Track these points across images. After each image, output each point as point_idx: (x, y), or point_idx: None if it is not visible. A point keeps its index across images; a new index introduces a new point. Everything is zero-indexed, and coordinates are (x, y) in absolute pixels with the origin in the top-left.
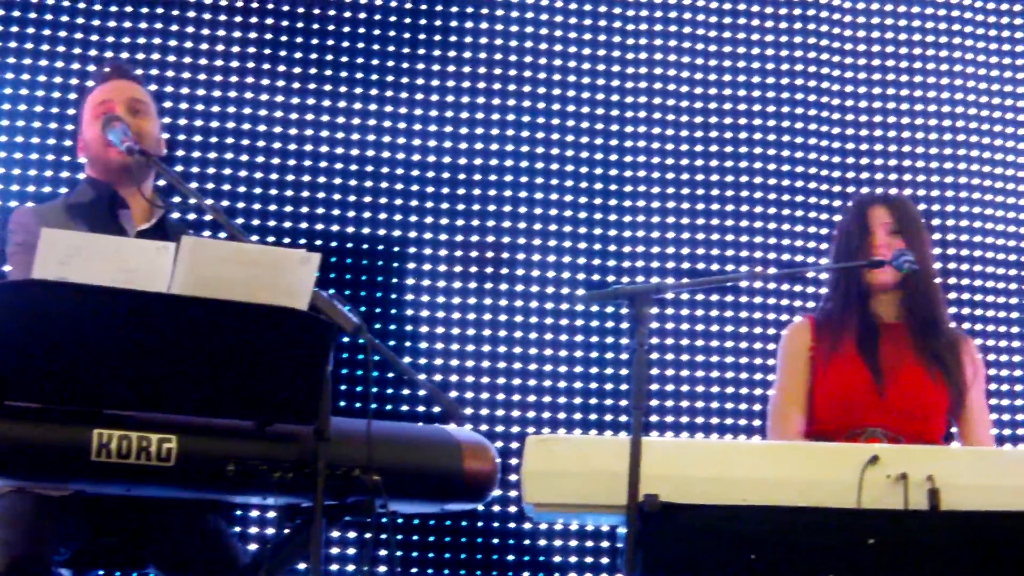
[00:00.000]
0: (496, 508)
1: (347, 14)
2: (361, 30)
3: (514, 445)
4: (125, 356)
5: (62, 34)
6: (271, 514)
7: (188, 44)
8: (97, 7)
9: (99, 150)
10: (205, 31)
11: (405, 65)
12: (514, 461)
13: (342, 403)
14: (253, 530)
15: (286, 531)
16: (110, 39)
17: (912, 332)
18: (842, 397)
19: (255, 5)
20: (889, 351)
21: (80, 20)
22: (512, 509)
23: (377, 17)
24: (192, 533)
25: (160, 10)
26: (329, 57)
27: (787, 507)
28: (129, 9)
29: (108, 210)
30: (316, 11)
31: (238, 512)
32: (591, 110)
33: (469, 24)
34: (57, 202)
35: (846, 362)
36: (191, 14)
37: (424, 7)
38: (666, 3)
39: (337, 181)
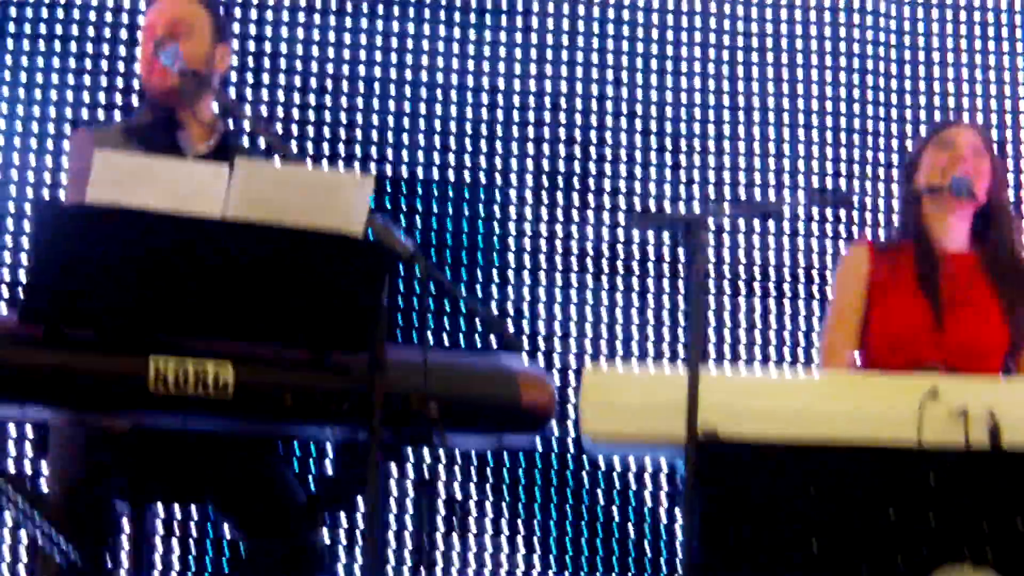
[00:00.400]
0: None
1: None
2: None
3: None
4: (179, 282)
5: None
6: (329, 453)
7: None
8: None
9: (145, 72)
10: None
11: None
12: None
13: (398, 332)
14: (311, 468)
15: (343, 466)
16: None
17: (980, 263)
18: (898, 332)
19: None
20: (951, 283)
21: None
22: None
23: None
24: (249, 472)
25: None
26: None
27: (845, 445)
28: None
29: (166, 132)
30: None
31: (296, 452)
32: (650, 39)
33: None
34: (116, 124)
35: (904, 294)
36: None
37: None
38: None
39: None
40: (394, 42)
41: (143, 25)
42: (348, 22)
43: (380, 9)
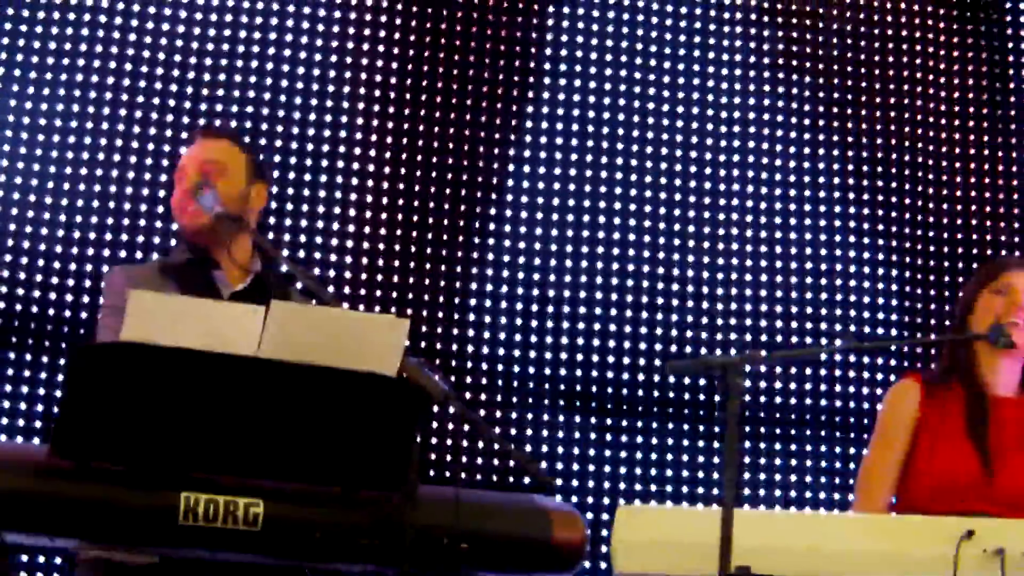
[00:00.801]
0: None
1: None
2: None
3: (604, 516)
4: (212, 420)
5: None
6: None
7: None
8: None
9: (178, 213)
10: None
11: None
12: (604, 532)
13: (431, 471)
14: None
15: None
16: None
17: None
18: (946, 480)
19: None
20: (1000, 430)
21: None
22: None
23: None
24: None
25: None
26: None
27: None
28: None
29: (201, 271)
30: None
31: None
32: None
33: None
34: (151, 263)
35: (952, 439)
36: None
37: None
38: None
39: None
40: None
41: (177, 166)
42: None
43: None
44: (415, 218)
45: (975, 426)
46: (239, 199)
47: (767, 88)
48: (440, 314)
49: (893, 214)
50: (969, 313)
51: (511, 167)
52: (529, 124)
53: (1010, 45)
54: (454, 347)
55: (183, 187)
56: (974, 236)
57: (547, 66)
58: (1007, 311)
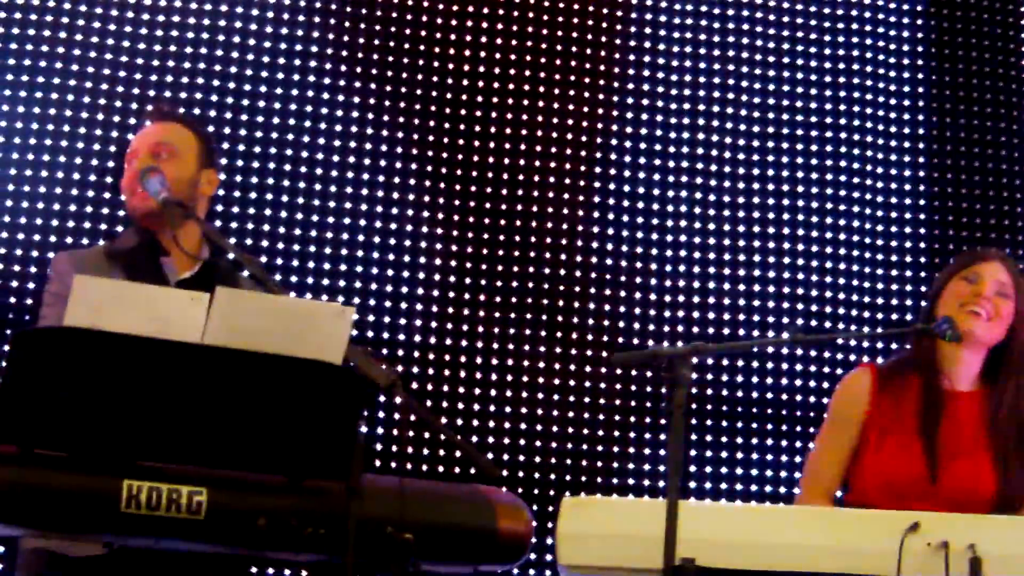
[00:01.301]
0: (531, 572)
1: None
2: None
3: (549, 508)
4: (156, 406)
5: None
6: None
7: None
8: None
9: (128, 196)
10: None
11: None
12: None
13: (376, 461)
14: None
15: None
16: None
17: (987, 406)
18: (891, 479)
19: None
20: (953, 427)
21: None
22: (547, 573)
23: None
24: None
25: None
26: None
27: (825, 574)
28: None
29: (149, 257)
30: None
31: (269, 570)
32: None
33: None
34: (97, 248)
35: (903, 435)
36: None
37: None
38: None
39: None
40: None
41: (129, 147)
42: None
43: None
44: (363, 207)
45: (927, 423)
46: (188, 184)
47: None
48: (387, 303)
49: (855, 207)
50: (937, 299)
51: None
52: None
53: None
54: (400, 336)
55: (133, 169)
56: (935, 231)
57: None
58: (970, 300)
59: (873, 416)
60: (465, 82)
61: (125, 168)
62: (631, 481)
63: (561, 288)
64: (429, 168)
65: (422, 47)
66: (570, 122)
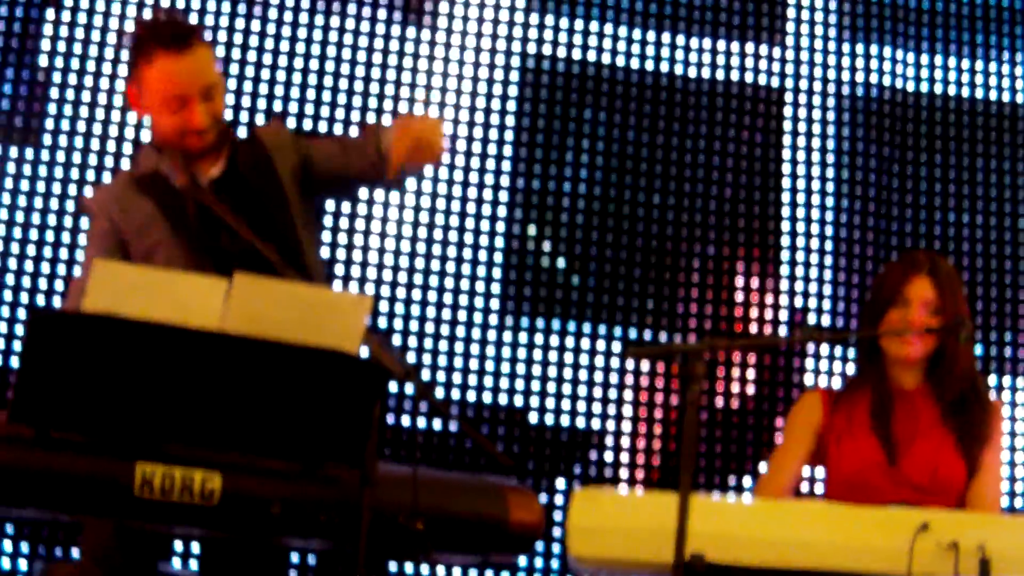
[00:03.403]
0: (539, 563)
1: None
2: None
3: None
4: (172, 392)
5: None
6: (311, 559)
7: None
8: None
9: (176, 140)
10: None
11: None
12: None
13: (388, 450)
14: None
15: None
16: None
17: (935, 397)
18: (853, 473)
19: None
20: (905, 420)
21: None
22: (555, 564)
23: None
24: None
25: None
26: None
27: (835, 572)
28: None
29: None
30: None
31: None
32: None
33: None
34: (122, 176)
35: (858, 436)
36: None
37: None
38: None
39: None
40: None
41: (157, 85)
42: None
43: None
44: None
45: (879, 418)
46: (224, 110)
47: None
48: (398, 290)
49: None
50: (878, 323)
51: None
52: None
53: None
54: (413, 326)
55: (191, 120)
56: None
57: None
58: (905, 323)
59: (828, 427)
60: None
61: (157, 102)
62: (642, 475)
63: (579, 277)
64: None
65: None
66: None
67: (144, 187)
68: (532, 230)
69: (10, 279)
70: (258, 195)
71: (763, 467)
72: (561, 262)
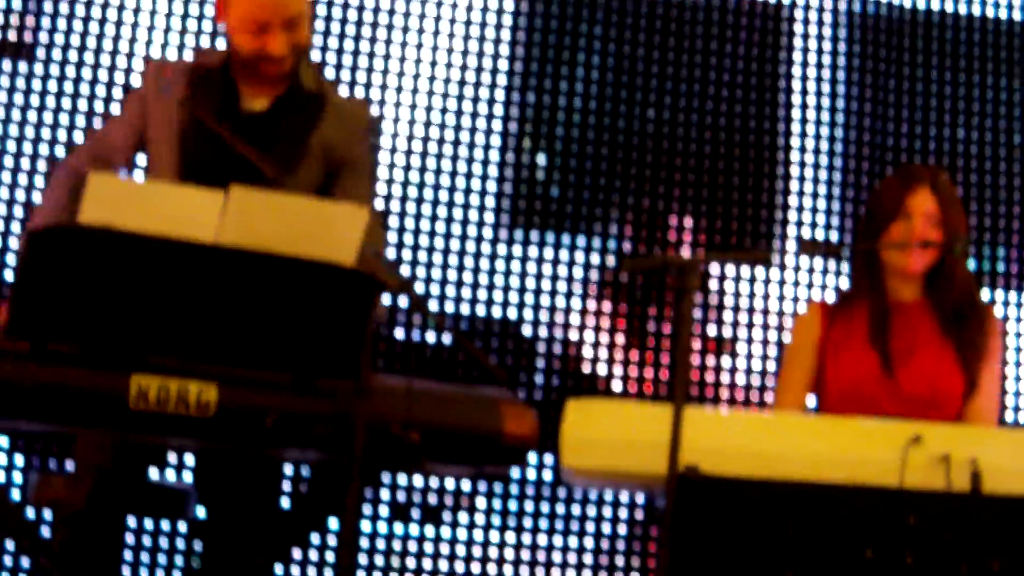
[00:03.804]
0: (531, 475)
1: None
2: None
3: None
4: (167, 305)
5: None
6: (304, 470)
7: None
8: None
9: (252, 60)
10: None
11: None
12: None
13: (382, 361)
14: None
15: (320, 486)
16: None
17: (934, 310)
18: (850, 384)
19: None
20: (903, 333)
21: None
22: (548, 476)
23: None
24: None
25: None
26: None
27: (827, 484)
28: None
29: (227, 83)
30: None
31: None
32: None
33: None
34: (184, 62)
35: (855, 348)
36: None
37: None
38: None
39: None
40: None
41: (248, 5)
42: None
43: None
44: None
45: (876, 331)
46: (307, 37)
47: None
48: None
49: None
50: (880, 234)
51: None
52: None
53: None
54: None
55: (266, 36)
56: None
57: None
58: (908, 236)
59: (825, 341)
60: None
61: (238, 22)
62: (635, 387)
63: (573, 191)
64: None
65: None
66: None
67: (194, 80)
68: (527, 143)
69: (4, 192)
70: (277, 142)
71: (776, 390)
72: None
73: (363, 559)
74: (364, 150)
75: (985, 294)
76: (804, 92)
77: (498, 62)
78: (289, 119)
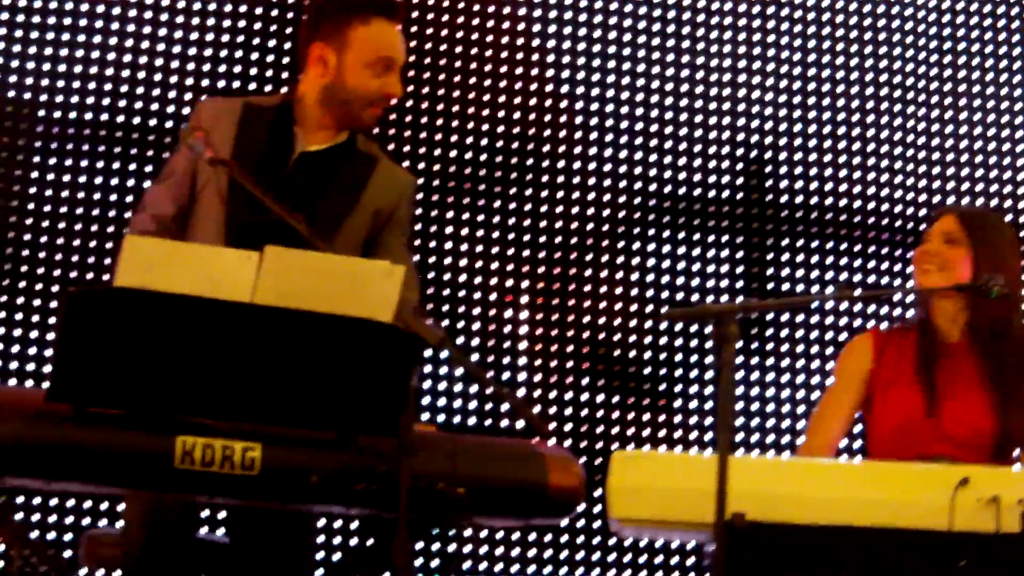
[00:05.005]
0: (580, 523)
1: None
2: None
3: (598, 462)
4: (207, 365)
5: None
6: (353, 524)
7: None
8: None
9: (361, 104)
10: None
11: None
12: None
13: (427, 416)
14: (336, 540)
15: (369, 543)
16: None
17: (974, 350)
18: (896, 423)
19: None
20: (948, 373)
21: None
22: (596, 525)
23: None
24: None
25: None
26: None
27: (876, 528)
28: None
29: (283, 124)
30: None
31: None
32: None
33: None
34: (237, 100)
35: (903, 385)
36: None
37: None
38: None
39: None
40: None
41: (366, 43)
42: None
43: None
44: None
45: (923, 368)
46: None
47: None
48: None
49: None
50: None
51: None
52: None
53: None
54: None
55: (390, 76)
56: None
57: None
58: (920, 258)
59: (877, 373)
60: None
61: (363, 62)
62: (679, 434)
63: (609, 239)
64: None
65: None
66: None
67: (248, 118)
68: None
69: None
70: (331, 190)
71: (814, 414)
72: None
73: None
74: (407, 214)
75: None
76: None
77: None
78: (345, 170)
